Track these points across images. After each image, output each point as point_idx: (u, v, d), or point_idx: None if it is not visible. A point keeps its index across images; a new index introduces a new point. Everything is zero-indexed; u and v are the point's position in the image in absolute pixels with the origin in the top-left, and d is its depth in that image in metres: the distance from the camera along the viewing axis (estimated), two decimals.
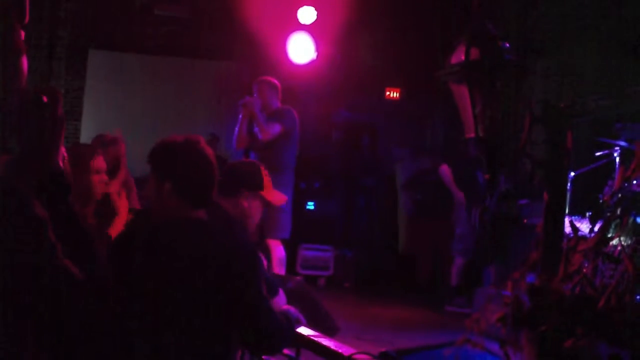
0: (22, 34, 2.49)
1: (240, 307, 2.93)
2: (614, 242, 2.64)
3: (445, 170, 9.37)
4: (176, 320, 2.87)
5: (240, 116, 7.56)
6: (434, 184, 9.96)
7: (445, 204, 9.53)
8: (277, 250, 7.34)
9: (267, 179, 4.04)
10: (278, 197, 4.14)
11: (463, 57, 2.93)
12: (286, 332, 3.19)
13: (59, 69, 10.59)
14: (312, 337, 3.40)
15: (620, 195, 2.90)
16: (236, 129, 7.63)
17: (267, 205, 4.07)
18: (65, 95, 10.59)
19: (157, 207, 3.10)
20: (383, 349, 3.26)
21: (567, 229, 2.92)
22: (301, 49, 9.94)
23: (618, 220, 2.75)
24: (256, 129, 7.50)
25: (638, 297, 2.35)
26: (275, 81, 7.79)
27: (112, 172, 4.79)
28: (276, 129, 7.45)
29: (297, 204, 8.86)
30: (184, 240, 2.97)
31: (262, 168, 4.10)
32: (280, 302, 3.66)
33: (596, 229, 2.68)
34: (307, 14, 9.85)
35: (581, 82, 8.60)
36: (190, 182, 3.06)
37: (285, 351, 3.49)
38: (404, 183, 10.96)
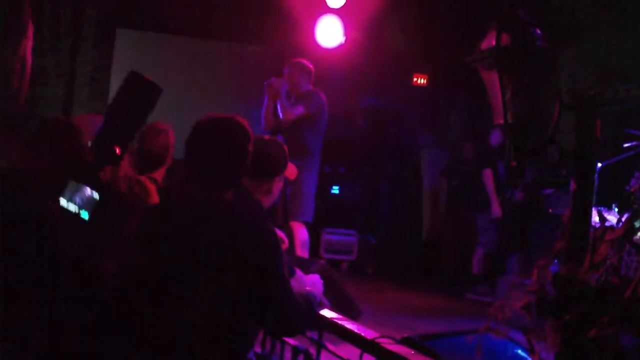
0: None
1: (260, 291, 2.92)
2: None
3: (488, 174, 9.36)
4: (195, 303, 2.87)
5: (266, 97, 7.56)
6: (472, 173, 9.92)
7: (479, 194, 9.49)
8: (301, 233, 7.35)
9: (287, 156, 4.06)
10: (293, 170, 4.17)
11: (494, 43, 2.91)
12: (306, 316, 3.16)
13: (87, 48, 10.60)
14: (335, 320, 3.40)
15: None
16: (262, 110, 7.63)
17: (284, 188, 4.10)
18: (92, 75, 10.62)
19: (183, 191, 3.09)
20: (405, 334, 3.27)
21: (593, 219, 2.90)
22: (330, 33, 9.90)
23: None
24: (279, 110, 7.51)
25: None
26: (308, 64, 7.75)
27: (160, 160, 4.80)
28: (298, 110, 7.45)
29: (322, 188, 8.85)
30: (204, 224, 2.94)
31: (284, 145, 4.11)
32: (306, 284, 3.66)
33: (623, 219, 2.66)
34: None
35: (612, 70, 8.50)
36: (209, 166, 3.04)
37: (308, 334, 3.50)
38: (444, 168, 10.94)
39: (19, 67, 2.00)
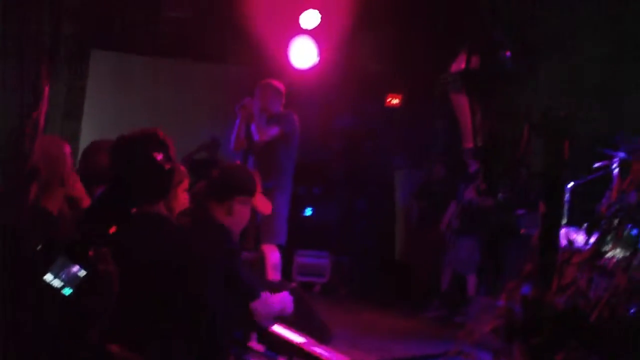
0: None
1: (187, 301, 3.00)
2: (610, 254, 2.62)
3: (452, 206, 9.72)
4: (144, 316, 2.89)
5: (238, 118, 7.54)
6: (443, 194, 9.98)
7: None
8: (272, 255, 7.29)
9: (259, 186, 4.04)
10: (266, 205, 4.15)
11: (463, 66, 2.92)
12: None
13: (61, 68, 10.54)
14: (304, 346, 3.37)
15: (617, 207, 2.88)
16: (234, 131, 7.60)
17: (255, 211, 4.09)
18: (66, 95, 10.55)
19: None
20: (377, 358, 3.25)
21: (565, 239, 2.90)
22: (303, 54, 9.91)
23: (614, 232, 2.73)
24: (254, 131, 7.48)
25: (631, 310, 2.34)
26: (280, 85, 7.72)
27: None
28: (273, 131, 7.42)
29: (295, 209, 8.82)
30: (131, 237, 2.96)
31: (256, 175, 4.09)
32: (275, 303, 3.64)
33: (592, 241, 2.66)
34: (309, 19, 9.81)
35: (583, 90, 8.54)
36: (127, 184, 3.04)
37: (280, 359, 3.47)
38: (416, 190, 10.97)
39: (31, 130, 1.96)
